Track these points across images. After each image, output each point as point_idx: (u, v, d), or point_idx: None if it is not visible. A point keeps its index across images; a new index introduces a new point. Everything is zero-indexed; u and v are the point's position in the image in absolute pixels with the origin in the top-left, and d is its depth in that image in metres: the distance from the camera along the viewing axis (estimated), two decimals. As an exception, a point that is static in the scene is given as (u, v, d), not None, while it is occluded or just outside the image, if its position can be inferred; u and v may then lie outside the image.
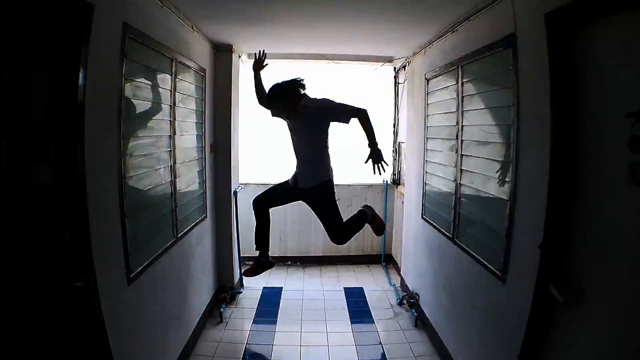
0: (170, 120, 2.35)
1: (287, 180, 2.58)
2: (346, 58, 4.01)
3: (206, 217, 3.19)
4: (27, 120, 1.33)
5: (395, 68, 4.34)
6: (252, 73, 2.63)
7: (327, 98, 2.41)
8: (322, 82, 4.19)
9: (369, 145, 2.30)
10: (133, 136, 1.89)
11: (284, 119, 2.48)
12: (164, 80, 2.28)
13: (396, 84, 4.42)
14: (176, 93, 2.42)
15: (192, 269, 2.84)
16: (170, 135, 2.35)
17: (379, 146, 2.30)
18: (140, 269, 1.93)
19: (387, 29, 2.82)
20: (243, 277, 2.72)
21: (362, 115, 2.31)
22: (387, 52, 3.82)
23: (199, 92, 2.99)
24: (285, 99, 2.35)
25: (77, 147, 1.44)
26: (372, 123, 2.33)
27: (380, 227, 2.68)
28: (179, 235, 2.50)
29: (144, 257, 1.99)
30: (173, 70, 2.37)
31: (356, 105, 2.37)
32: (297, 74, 2.41)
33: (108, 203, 1.66)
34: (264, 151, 4.57)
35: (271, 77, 2.66)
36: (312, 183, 2.43)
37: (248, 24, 2.77)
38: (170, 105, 2.35)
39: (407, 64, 3.88)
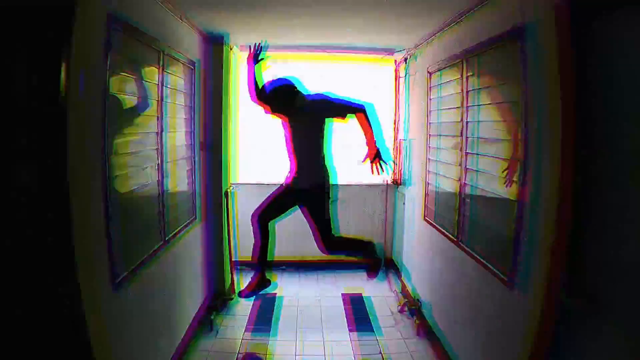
0: (157, 117, 2.23)
1: (282, 185, 2.49)
2: (345, 50, 3.88)
3: (196, 218, 3.06)
4: (6, 117, 1.30)
5: (395, 61, 4.19)
6: (246, 67, 2.53)
7: (322, 94, 2.35)
8: (321, 75, 4.08)
9: (367, 144, 2.24)
10: (118, 134, 1.80)
11: (279, 116, 2.40)
12: (151, 74, 2.17)
13: (397, 78, 4.28)
14: (164, 88, 2.31)
15: (182, 273, 2.72)
16: (157, 133, 2.24)
17: (379, 144, 2.22)
18: (126, 274, 1.84)
19: (389, 19, 2.71)
20: (240, 293, 2.66)
21: (360, 112, 2.23)
22: (387, 43, 3.68)
23: (189, 86, 2.86)
24: (280, 97, 2.30)
25: (60, 146, 1.38)
26: (371, 120, 2.24)
27: (375, 267, 2.58)
28: (167, 238, 2.38)
29: (130, 262, 1.90)
30: (161, 63, 2.25)
31: (354, 101, 2.27)
32: (295, 67, 2.36)
33: (92, 204, 1.58)
34: (258, 150, 4.45)
35: (267, 71, 2.57)
36: (309, 183, 2.36)
37: (241, 13, 2.65)
38: (157, 101, 2.23)
39: (408, 56, 3.76)
